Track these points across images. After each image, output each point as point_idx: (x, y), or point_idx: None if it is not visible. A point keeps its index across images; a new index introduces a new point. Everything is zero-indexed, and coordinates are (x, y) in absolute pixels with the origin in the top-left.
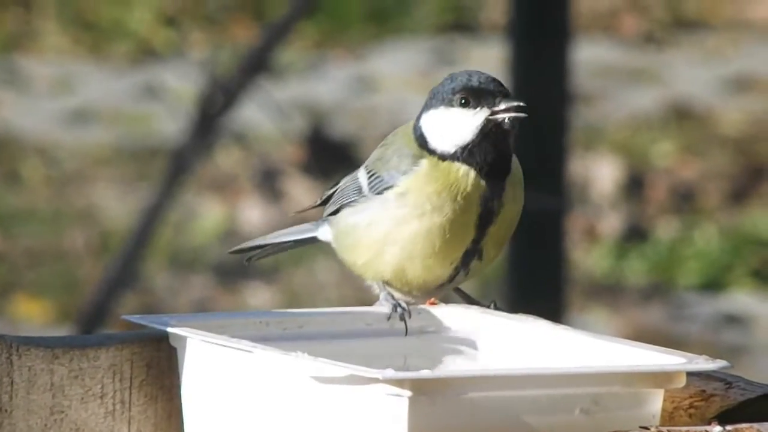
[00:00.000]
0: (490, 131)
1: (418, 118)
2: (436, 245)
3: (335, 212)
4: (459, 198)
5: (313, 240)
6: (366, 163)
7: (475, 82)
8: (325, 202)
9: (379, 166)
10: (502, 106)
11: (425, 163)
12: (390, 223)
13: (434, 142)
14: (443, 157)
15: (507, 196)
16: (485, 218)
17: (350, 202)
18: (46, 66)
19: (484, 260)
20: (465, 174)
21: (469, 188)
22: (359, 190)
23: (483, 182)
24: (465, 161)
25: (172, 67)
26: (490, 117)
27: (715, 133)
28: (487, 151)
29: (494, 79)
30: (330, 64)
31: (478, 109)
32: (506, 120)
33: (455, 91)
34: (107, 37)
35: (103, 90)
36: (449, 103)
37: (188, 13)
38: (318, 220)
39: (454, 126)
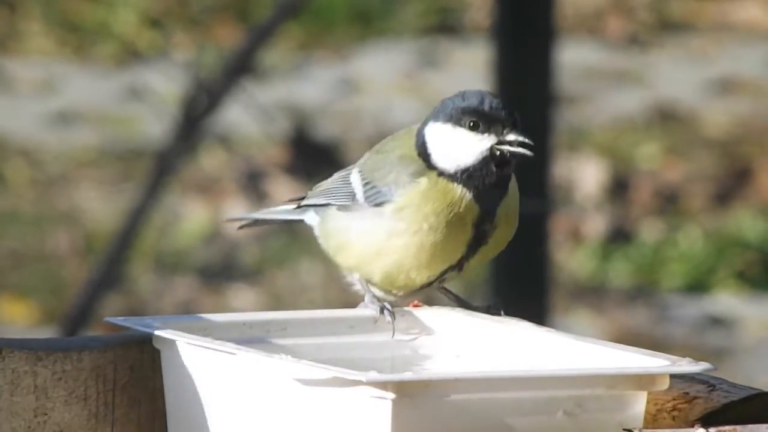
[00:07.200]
0: (492, 159)
1: (423, 124)
2: (426, 260)
3: (323, 205)
4: (454, 219)
5: (300, 221)
6: (360, 167)
7: (486, 107)
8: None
9: (377, 178)
10: (510, 138)
11: (425, 180)
12: (384, 236)
13: (436, 157)
14: (442, 174)
15: (500, 220)
16: (478, 239)
17: (341, 204)
18: (31, 67)
19: (464, 272)
20: (461, 196)
21: (462, 210)
22: (352, 195)
23: (477, 206)
24: (463, 183)
25: (156, 68)
26: (496, 146)
27: (700, 135)
28: (486, 176)
29: (506, 106)
30: (314, 65)
31: (485, 135)
32: (509, 153)
33: (465, 112)
34: (92, 39)
35: (87, 92)
36: (457, 122)
37: (172, 15)
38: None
39: (459, 147)
